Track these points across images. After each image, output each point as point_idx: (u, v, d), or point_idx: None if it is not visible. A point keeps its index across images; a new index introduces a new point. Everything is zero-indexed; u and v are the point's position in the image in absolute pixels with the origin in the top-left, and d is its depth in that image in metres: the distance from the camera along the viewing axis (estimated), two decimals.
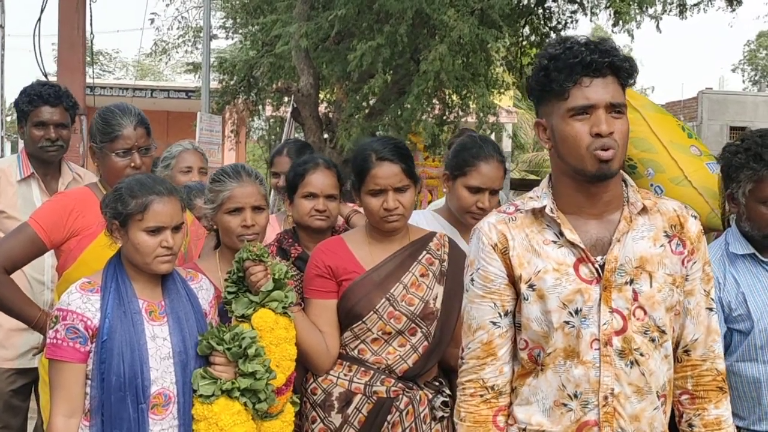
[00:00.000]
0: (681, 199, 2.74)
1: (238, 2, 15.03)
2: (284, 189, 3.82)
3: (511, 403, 2.55)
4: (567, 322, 2.40)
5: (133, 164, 3.52)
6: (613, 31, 10.89)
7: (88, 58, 8.66)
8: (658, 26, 11.52)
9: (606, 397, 2.39)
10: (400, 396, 3.19)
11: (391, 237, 3.32)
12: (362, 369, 3.22)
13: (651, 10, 11.17)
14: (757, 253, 3.20)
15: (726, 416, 2.55)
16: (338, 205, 3.68)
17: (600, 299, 2.39)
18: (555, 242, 2.45)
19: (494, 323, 2.51)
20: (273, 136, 20.14)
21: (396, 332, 3.21)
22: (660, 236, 2.47)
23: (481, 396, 2.53)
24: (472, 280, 2.55)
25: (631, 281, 2.41)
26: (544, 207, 2.47)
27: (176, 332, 2.90)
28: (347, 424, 3.18)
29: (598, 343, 2.39)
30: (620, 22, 10.42)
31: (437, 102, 11.93)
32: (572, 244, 2.42)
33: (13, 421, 4.38)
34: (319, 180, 3.59)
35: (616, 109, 2.37)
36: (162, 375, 2.84)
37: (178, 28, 17.85)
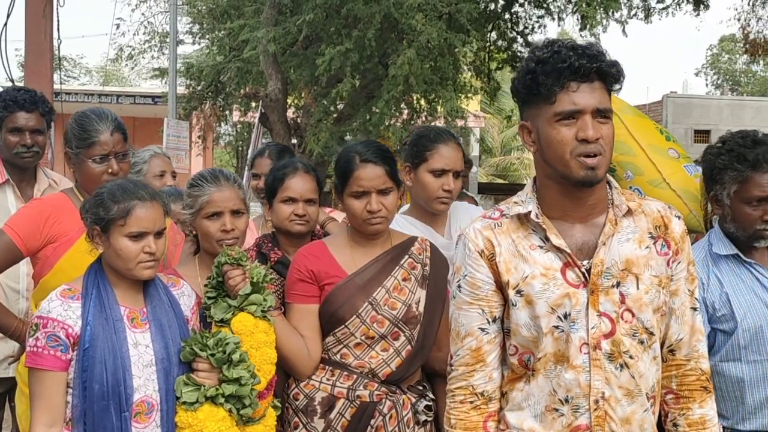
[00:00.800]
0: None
1: (204, 7, 14.97)
2: (263, 192, 3.80)
3: (501, 409, 2.55)
4: (556, 327, 2.40)
5: (110, 170, 3.49)
6: (580, 35, 10.98)
7: (55, 64, 8.55)
8: (624, 30, 11.65)
9: (597, 401, 2.39)
10: (384, 400, 3.18)
11: (374, 241, 3.31)
12: (345, 373, 3.21)
13: (617, 15, 11.28)
14: (740, 254, 3.23)
15: (711, 416, 2.56)
16: (318, 209, 3.66)
17: (587, 303, 2.40)
18: (541, 247, 2.45)
19: (483, 330, 2.51)
20: (240, 142, 20.09)
21: (379, 336, 3.20)
22: (645, 238, 2.47)
23: (471, 402, 2.53)
24: (459, 286, 2.54)
25: (618, 284, 2.41)
26: (530, 212, 2.47)
27: (159, 339, 2.88)
28: (330, 429, 3.16)
29: (587, 347, 2.39)
30: (587, 27, 10.50)
31: (405, 107, 11.95)
32: (558, 249, 2.43)
33: None
34: (299, 184, 3.57)
35: (603, 114, 2.37)
36: (145, 382, 2.81)
37: (144, 34, 17.73)
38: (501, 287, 2.48)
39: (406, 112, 12.14)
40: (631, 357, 2.41)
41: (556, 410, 2.43)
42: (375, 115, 10.63)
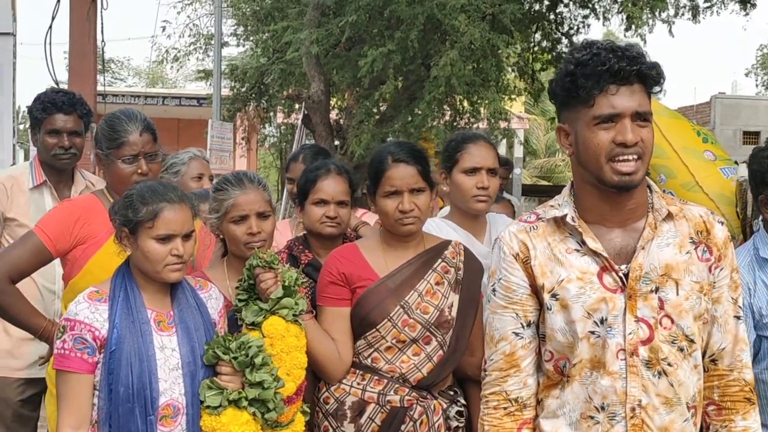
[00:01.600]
0: None
1: (249, 9, 15.04)
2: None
3: (536, 416, 2.49)
4: (592, 332, 2.34)
5: (139, 171, 3.47)
6: (625, 35, 10.84)
7: (99, 66, 8.62)
8: (670, 30, 11.45)
9: (633, 409, 2.33)
10: (414, 405, 3.12)
11: (406, 244, 3.25)
12: (376, 378, 3.16)
13: (663, 15, 11.11)
14: None
15: (754, 428, 2.48)
16: (349, 211, 3.61)
17: (625, 308, 2.33)
18: (578, 251, 2.40)
19: (517, 334, 2.46)
20: (284, 143, 20.18)
21: (410, 341, 3.15)
22: (686, 243, 2.40)
23: (505, 409, 2.48)
24: (494, 290, 2.50)
25: (657, 289, 2.34)
26: (566, 216, 2.42)
27: (185, 343, 2.85)
28: None
29: (624, 353, 2.33)
30: (633, 27, 10.35)
31: (448, 108, 11.89)
32: (595, 253, 2.37)
33: (22, 431, 4.33)
34: (330, 186, 3.52)
35: (642, 117, 2.31)
36: (170, 386, 2.79)
37: (189, 36, 17.85)
38: (536, 291, 2.43)
39: (448, 113, 12.07)
40: (669, 364, 2.34)
41: (592, 418, 2.37)
42: (417, 116, 10.58)
